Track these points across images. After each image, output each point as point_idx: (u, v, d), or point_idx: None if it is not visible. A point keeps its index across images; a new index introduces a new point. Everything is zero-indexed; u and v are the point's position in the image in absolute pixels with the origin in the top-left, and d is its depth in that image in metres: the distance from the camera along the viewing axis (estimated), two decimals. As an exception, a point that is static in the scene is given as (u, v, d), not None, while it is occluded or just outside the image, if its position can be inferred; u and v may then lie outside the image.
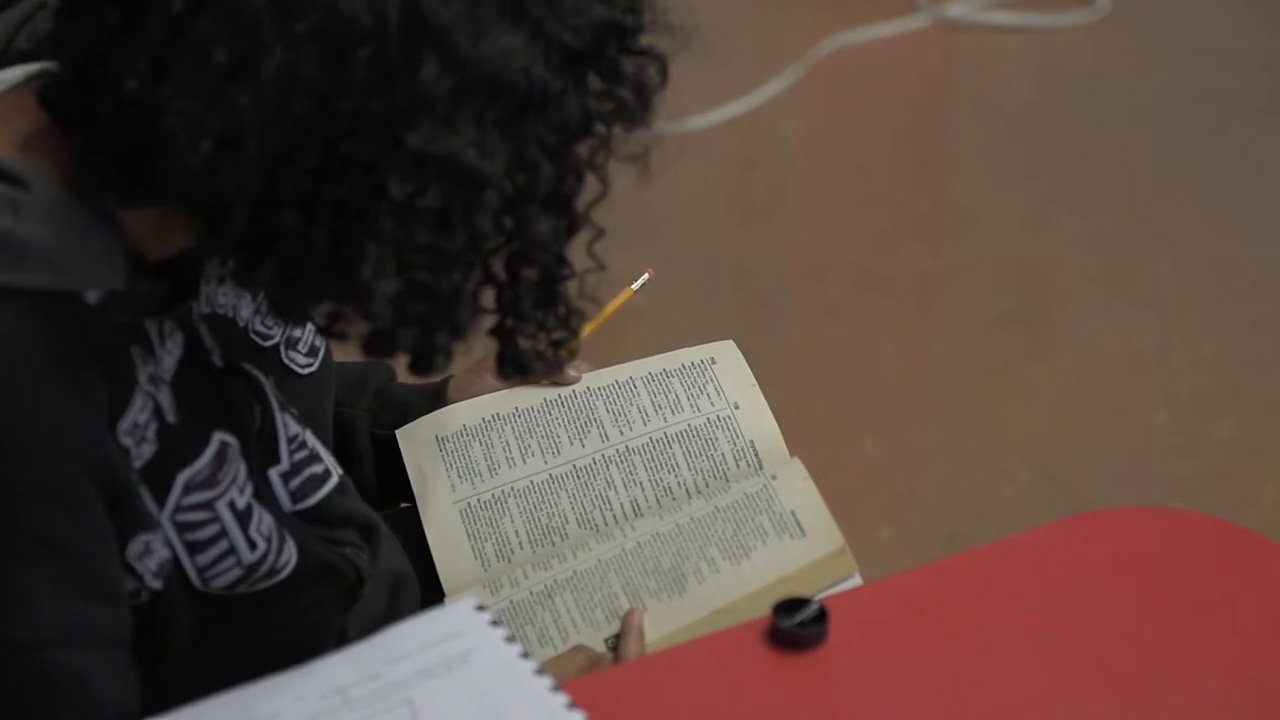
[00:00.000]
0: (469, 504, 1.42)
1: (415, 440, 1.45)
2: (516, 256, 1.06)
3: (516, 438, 1.44)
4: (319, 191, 0.97)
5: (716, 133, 3.36)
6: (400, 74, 0.96)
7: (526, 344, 1.12)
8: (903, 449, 2.69)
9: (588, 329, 1.46)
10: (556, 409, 1.46)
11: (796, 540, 1.36)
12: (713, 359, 1.47)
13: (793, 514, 1.37)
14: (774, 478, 1.39)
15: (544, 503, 1.41)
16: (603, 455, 1.43)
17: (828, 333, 2.95)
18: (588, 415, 1.45)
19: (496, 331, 1.10)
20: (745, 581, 1.34)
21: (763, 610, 1.32)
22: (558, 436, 1.44)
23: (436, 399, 1.49)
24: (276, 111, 0.95)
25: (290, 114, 0.95)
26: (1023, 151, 3.43)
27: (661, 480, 1.42)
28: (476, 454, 1.44)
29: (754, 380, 1.46)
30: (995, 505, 2.53)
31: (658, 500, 1.41)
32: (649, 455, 1.43)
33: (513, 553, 1.39)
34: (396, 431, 1.46)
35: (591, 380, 1.47)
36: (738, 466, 1.41)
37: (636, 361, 1.48)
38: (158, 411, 1.10)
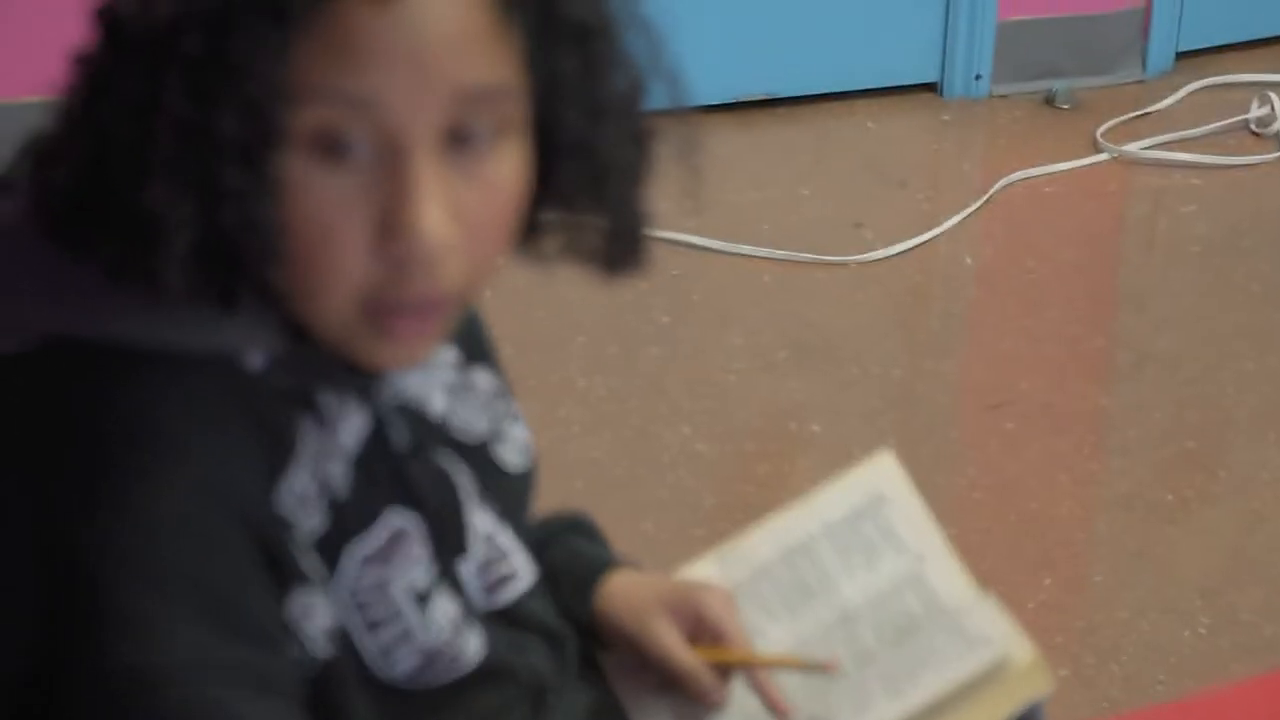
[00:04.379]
0: None
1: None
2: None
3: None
4: None
5: (894, 263, 3.35)
6: None
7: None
8: (1080, 587, 2.66)
9: (773, 662, 1.37)
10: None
11: (986, 654, 1.34)
12: (881, 496, 1.41)
13: (983, 634, 1.35)
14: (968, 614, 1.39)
15: None
16: None
17: (1003, 467, 2.93)
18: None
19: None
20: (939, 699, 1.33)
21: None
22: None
23: (584, 589, 1.36)
24: None
25: None
26: (1202, 289, 3.40)
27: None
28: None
29: (933, 527, 1.40)
30: (1175, 649, 2.48)
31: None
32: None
33: None
34: (599, 656, 1.36)
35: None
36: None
37: (792, 519, 1.41)
38: (325, 485, 1.08)
